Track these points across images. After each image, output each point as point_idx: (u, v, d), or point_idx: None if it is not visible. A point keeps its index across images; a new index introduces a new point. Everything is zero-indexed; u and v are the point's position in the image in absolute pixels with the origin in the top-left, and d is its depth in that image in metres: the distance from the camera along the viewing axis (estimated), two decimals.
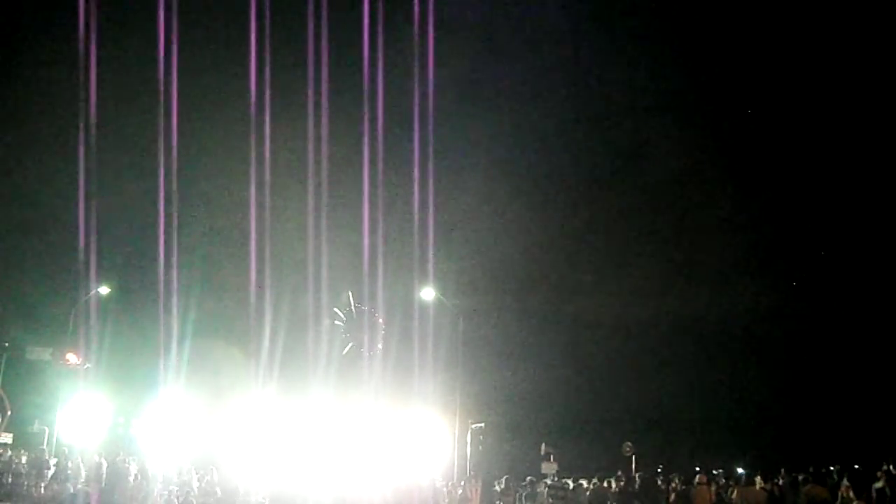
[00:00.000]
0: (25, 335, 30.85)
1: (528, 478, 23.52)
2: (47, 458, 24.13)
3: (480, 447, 31.95)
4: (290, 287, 32.54)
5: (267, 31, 26.53)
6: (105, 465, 24.10)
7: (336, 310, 32.02)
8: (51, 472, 23.40)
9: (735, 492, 16.81)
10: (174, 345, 29.57)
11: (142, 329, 32.41)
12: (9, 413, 22.69)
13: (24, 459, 23.74)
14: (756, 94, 39.05)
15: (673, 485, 18.98)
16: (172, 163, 27.63)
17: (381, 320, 31.97)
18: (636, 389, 39.13)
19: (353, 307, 31.53)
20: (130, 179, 34.51)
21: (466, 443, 31.40)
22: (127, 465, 23.50)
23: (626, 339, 40.37)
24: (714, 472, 20.46)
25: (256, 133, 28.14)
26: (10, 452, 24.58)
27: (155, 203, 28.25)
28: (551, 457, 27.68)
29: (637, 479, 20.27)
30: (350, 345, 32.23)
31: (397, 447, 27.96)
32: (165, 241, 28.31)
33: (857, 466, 15.98)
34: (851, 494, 14.10)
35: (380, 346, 31.34)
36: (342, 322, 32.25)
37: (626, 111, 46.24)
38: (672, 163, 42.99)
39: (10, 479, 23.14)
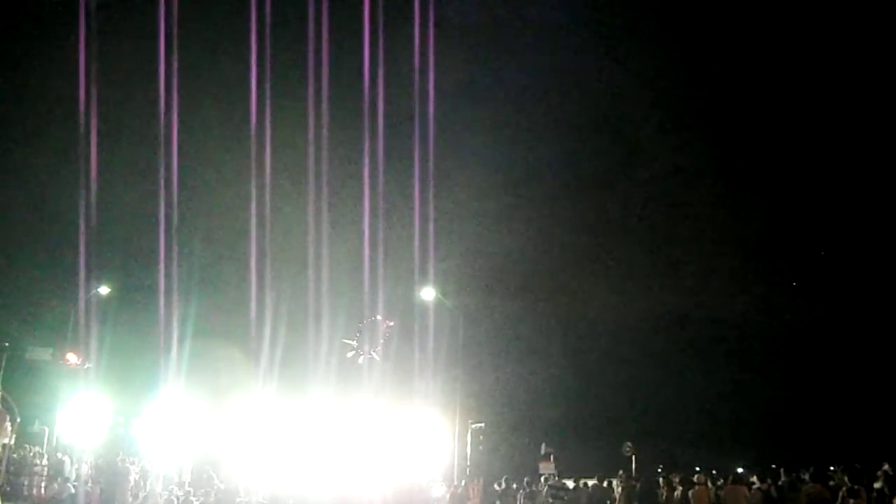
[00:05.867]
0: (25, 335, 30.81)
1: (529, 480, 23.54)
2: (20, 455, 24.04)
3: (480, 447, 31.93)
4: (290, 287, 32.54)
5: (267, 32, 26.55)
6: (98, 465, 24.18)
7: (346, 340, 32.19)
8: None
9: (722, 491, 16.84)
10: (174, 345, 29.56)
11: (142, 329, 32.42)
12: (18, 420, 22.74)
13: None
14: (755, 94, 39.11)
15: (673, 485, 18.97)
16: (173, 163, 27.64)
17: (391, 323, 32.06)
18: (636, 389, 39.18)
19: (364, 323, 31.56)
20: (131, 180, 34.51)
21: (466, 443, 31.38)
22: (127, 465, 23.54)
23: (626, 339, 40.38)
24: (714, 472, 20.47)
25: (256, 133, 28.15)
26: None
27: (155, 203, 28.28)
28: (551, 457, 27.68)
29: (640, 481, 20.28)
30: (353, 352, 32.30)
31: (397, 447, 27.97)
32: (165, 242, 28.34)
33: (857, 466, 15.95)
34: (854, 493, 14.10)
35: (381, 343, 31.37)
36: (354, 343, 32.36)
37: (625, 111, 46.28)
38: (673, 163, 43.05)
39: (9, 480, 23.16)
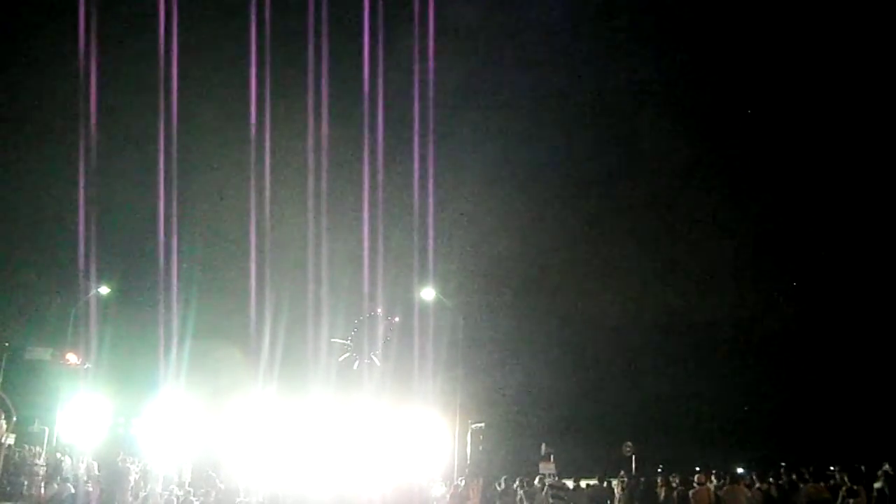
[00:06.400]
0: (25, 335, 30.82)
1: (539, 476, 23.49)
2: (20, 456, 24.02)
3: (480, 447, 31.94)
4: (290, 287, 32.55)
5: (267, 33, 26.57)
6: (95, 465, 24.17)
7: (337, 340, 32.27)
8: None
9: (722, 491, 16.85)
10: (174, 345, 29.59)
11: (142, 329, 32.45)
12: (14, 418, 22.73)
13: None
14: (755, 94, 39.11)
15: (673, 485, 18.96)
16: (173, 163, 27.68)
17: (396, 319, 32.20)
18: (636, 389, 39.17)
19: (364, 318, 31.65)
20: (131, 180, 34.53)
21: (466, 443, 31.40)
22: (127, 465, 23.53)
23: (626, 338, 40.39)
24: (714, 472, 20.44)
25: (257, 133, 28.17)
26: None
27: (155, 203, 28.30)
28: (551, 457, 27.66)
29: (641, 481, 20.27)
30: (347, 354, 32.34)
31: (397, 447, 27.97)
32: (165, 242, 28.37)
33: (857, 466, 15.96)
34: (853, 493, 14.12)
35: (383, 341, 31.45)
36: (348, 343, 32.38)
37: (625, 111, 46.27)
38: (672, 163, 43.02)
39: (9, 480, 23.15)
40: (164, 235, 28.19)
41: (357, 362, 31.68)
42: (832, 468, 17.52)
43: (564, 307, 42.56)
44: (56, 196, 34.65)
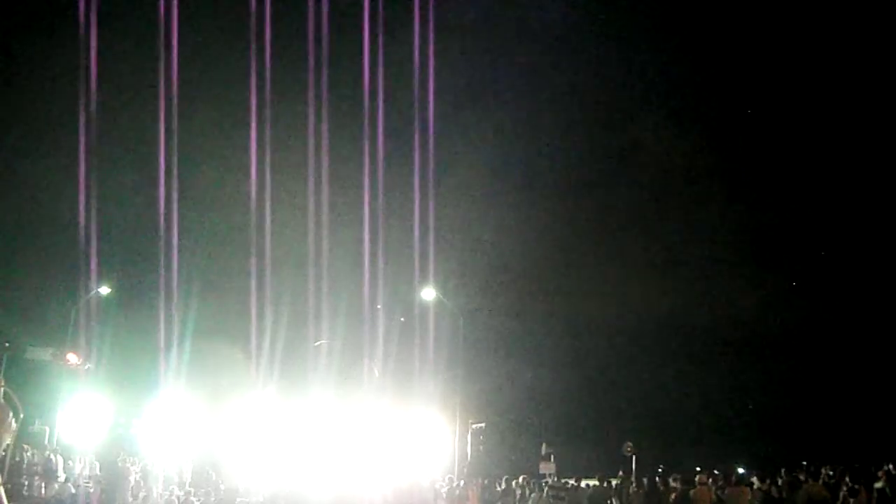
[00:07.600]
0: (25, 335, 30.76)
1: (523, 476, 23.51)
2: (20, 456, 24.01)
3: (480, 447, 31.94)
4: (290, 287, 32.53)
5: (267, 33, 26.55)
6: (96, 465, 24.15)
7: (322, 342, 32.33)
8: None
9: (724, 491, 16.85)
10: (174, 345, 29.58)
11: (142, 329, 32.39)
12: (21, 416, 22.69)
13: None
14: (754, 93, 39.12)
15: (673, 485, 18.95)
16: (173, 163, 27.64)
17: (402, 319, 32.23)
18: (636, 389, 39.17)
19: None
20: (131, 179, 34.52)
21: (466, 443, 31.40)
22: (127, 465, 23.52)
23: (625, 338, 40.37)
24: (715, 472, 20.44)
25: (257, 133, 28.14)
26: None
27: (155, 203, 28.29)
28: (551, 457, 27.69)
29: (643, 481, 20.29)
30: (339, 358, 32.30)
31: (397, 447, 27.97)
32: (165, 241, 28.35)
33: (857, 466, 15.96)
34: (854, 492, 14.11)
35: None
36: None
37: (625, 111, 46.31)
38: (672, 162, 43.09)
39: (11, 480, 23.11)
40: (164, 235, 28.18)
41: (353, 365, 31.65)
42: (832, 469, 17.53)
43: (565, 307, 42.58)
44: (56, 196, 34.62)
